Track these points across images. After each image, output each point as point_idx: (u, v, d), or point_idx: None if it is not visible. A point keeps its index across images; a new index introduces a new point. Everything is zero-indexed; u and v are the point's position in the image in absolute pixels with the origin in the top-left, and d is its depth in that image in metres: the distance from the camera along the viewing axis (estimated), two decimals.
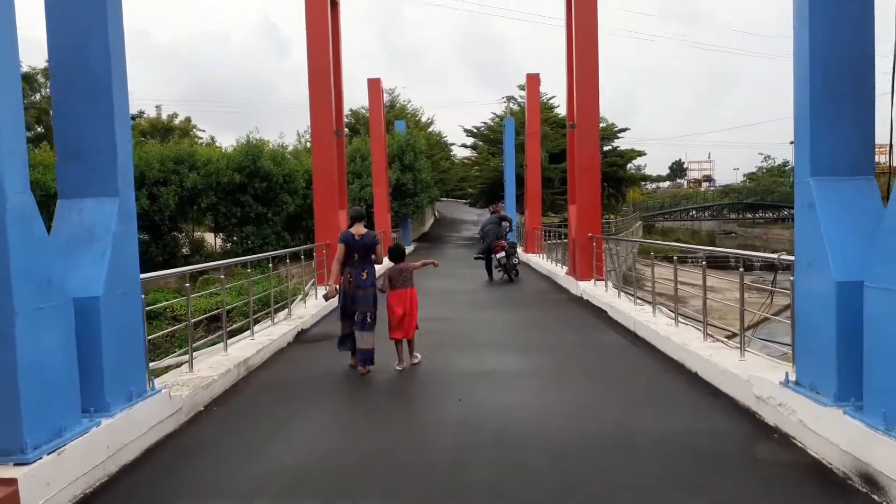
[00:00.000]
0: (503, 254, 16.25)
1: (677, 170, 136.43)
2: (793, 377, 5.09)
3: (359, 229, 7.41)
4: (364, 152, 30.03)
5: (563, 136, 41.08)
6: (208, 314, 12.34)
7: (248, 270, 9.04)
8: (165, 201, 25.64)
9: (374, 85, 25.02)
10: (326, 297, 7.92)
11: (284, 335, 9.14)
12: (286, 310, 10.61)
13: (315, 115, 13.94)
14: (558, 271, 16.90)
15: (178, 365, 7.01)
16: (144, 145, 28.86)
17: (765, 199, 78.55)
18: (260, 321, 9.83)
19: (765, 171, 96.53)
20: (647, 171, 68.46)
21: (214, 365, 7.02)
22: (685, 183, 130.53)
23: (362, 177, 29.38)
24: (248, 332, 8.69)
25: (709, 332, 7.48)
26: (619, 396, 6.15)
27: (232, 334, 8.59)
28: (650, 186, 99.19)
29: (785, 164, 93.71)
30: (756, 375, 5.52)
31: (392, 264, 7.58)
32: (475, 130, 46.75)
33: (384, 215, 24.76)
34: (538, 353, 8.19)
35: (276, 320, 9.93)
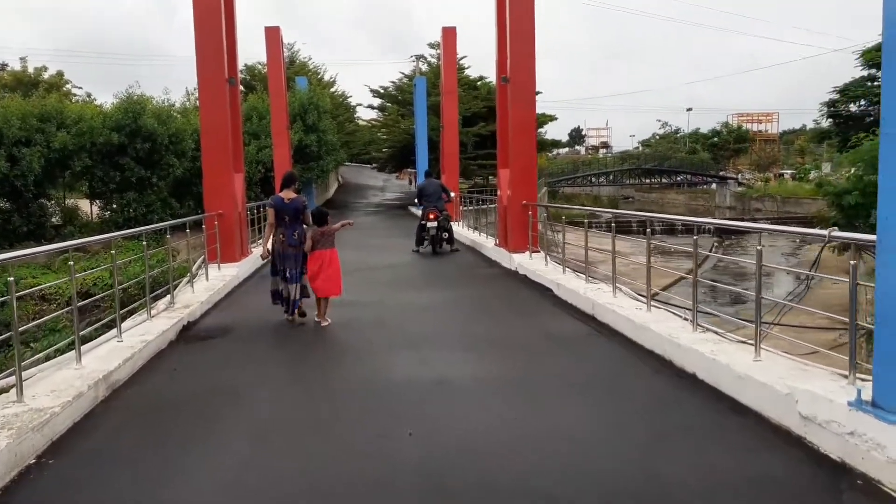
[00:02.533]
0: (435, 224, 14.65)
1: (576, 136, 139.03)
2: (867, 396, 3.79)
3: (288, 193, 8.05)
4: (261, 110, 27.26)
5: (475, 97, 39.86)
6: (55, 311, 9.96)
7: (112, 252, 6.89)
8: (29, 164, 22.08)
9: (273, 34, 22.40)
10: (263, 258, 8.51)
11: (165, 332, 7.11)
12: (168, 297, 8.52)
13: (203, 60, 11.60)
14: (484, 242, 15.47)
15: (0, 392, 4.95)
16: (2, 100, 24.87)
17: (661, 164, 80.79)
18: (133, 313, 7.76)
19: (659, 137, 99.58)
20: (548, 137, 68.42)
21: (59, 386, 5.02)
22: (583, 149, 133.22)
23: (260, 137, 26.67)
24: (113, 332, 6.63)
25: (700, 322, 6.18)
26: (617, 418, 4.70)
27: (87, 338, 6.54)
28: (551, 153, 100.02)
29: (677, 130, 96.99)
30: (803, 389, 4.20)
31: (315, 227, 8.07)
32: (382, 91, 44.39)
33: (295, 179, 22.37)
34: (490, 349, 6.66)
35: (154, 312, 7.86)
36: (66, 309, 11.47)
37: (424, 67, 41.24)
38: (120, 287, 9.98)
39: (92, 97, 43.29)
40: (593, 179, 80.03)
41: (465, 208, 20.95)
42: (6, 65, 43.82)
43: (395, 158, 44.67)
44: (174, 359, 6.59)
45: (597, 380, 5.61)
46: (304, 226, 7.99)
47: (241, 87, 38.28)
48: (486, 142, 38.88)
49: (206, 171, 12.03)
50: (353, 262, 12.71)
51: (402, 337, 7.24)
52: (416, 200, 16.54)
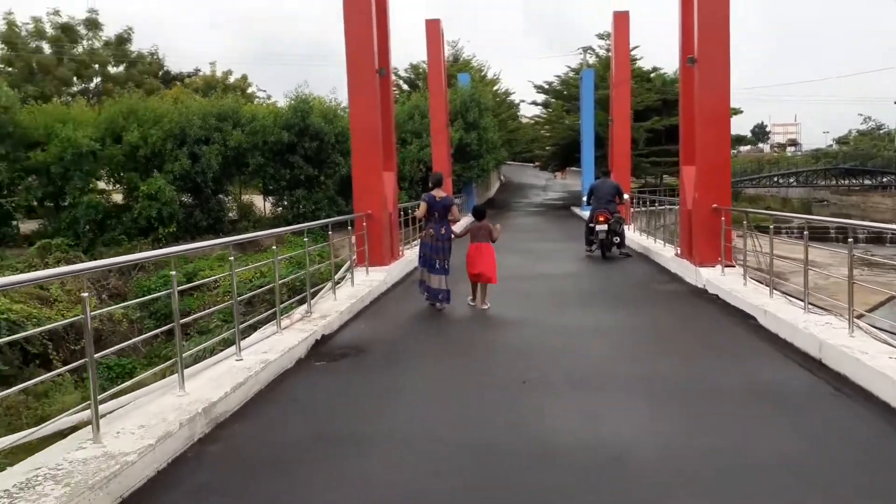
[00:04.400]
0: (605, 227, 13.09)
1: (760, 133, 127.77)
2: None
3: (438, 192, 8.84)
4: (423, 109, 26.84)
5: (648, 90, 36.95)
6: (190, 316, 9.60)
7: (230, 257, 6.09)
8: (208, 161, 23.33)
9: (433, 27, 21.69)
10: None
11: (292, 349, 6.24)
12: (304, 306, 7.73)
13: (352, 49, 10.85)
14: (660, 250, 13.51)
15: (74, 428, 4.19)
16: (186, 101, 26.58)
17: (864, 164, 71.28)
18: (263, 324, 7.03)
19: (859, 133, 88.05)
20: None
21: (150, 420, 4.20)
22: (767, 147, 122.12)
23: (422, 136, 26.30)
24: (232, 349, 5.84)
25: None
26: None
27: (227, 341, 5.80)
28: (731, 151, 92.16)
29: (880, 126, 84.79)
30: None
31: (473, 220, 8.87)
32: (546, 86, 42.73)
33: (445, 179, 21.54)
34: (680, 403, 5.02)
35: (286, 323, 7.07)
36: (208, 310, 11.29)
37: (592, 60, 39.08)
38: (260, 289, 9.45)
39: (272, 99, 45.96)
40: (780, 180, 72.60)
41: (637, 210, 18.89)
42: (199, 70, 47.61)
43: (558, 156, 42.84)
44: (297, 384, 5.65)
45: (850, 474, 3.81)
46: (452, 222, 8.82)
47: (405, 86, 38.85)
48: (659, 138, 35.96)
49: (354, 169, 11.32)
50: (508, 269, 11.42)
51: (561, 374, 5.79)
52: (585, 200, 15.14)
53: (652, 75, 38.40)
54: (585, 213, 24.92)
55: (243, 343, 6.09)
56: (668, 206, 15.98)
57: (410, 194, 24.67)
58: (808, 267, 7.21)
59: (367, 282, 9.85)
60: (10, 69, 33.38)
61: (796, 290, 8.36)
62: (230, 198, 26.46)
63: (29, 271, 16.31)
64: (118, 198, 24.09)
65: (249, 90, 46.66)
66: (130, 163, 23.08)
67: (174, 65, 46.34)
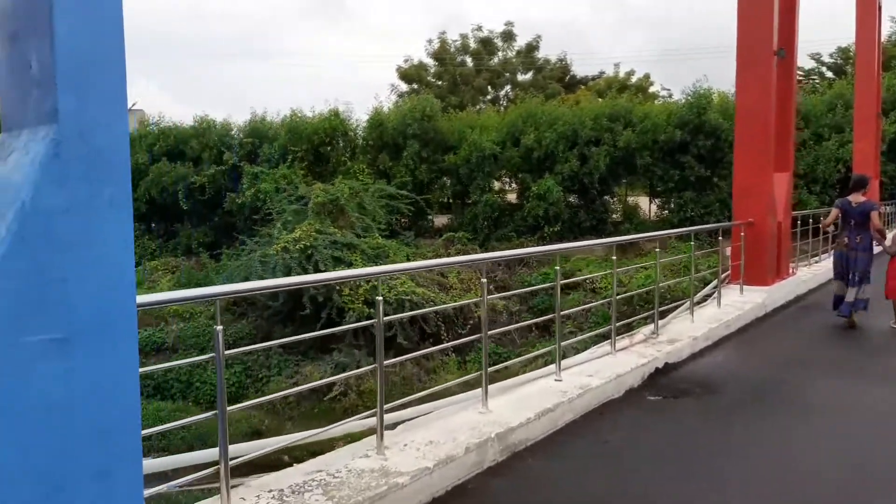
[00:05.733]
0: None
1: None
2: None
3: (857, 197, 7.95)
4: (848, 99, 22.54)
5: None
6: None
7: (613, 257, 5.56)
8: (596, 162, 23.48)
9: None
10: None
11: (621, 377, 5.50)
12: (650, 324, 6.86)
13: (744, 24, 9.32)
14: None
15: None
16: (578, 103, 27.21)
17: None
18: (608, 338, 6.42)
19: None
20: None
21: (440, 437, 4.00)
22: None
23: (844, 131, 22.12)
24: (577, 357, 5.36)
25: None
26: None
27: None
28: None
29: None
30: None
31: None
32: None
33: (871, 181, 17.56)
34: None
35: (624, 344, 6.34)
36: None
37: None
38: (619, 297, 8.90)
39: (674, 97, 44.41)
40: None
41: None
42: (603, 72, 48.57)
43: None
44: (618, 420, 4.91)
45: None
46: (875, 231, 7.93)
47: (829, 73, 33.34)
48: None
49: (736, 168, 9.78)
50: None
51: None
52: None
53: None
54: None
55: (569, 361, 5.60)
56: None
57: (823, 199, 21.08)
58: None
59: (738, 303, 8.43)
60: (439, 82, 38.85)
61: None
62: (615, 199, 26.26)
63: (434, 258, 18.69)
64: (512, 197, 25.92)
65: (651, 89, 45.91)
66: (525, 164, 24.55)
67: (580, 69, 48.27)
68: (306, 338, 4.48)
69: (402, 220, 23.25)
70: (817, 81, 33.88)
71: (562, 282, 5.43)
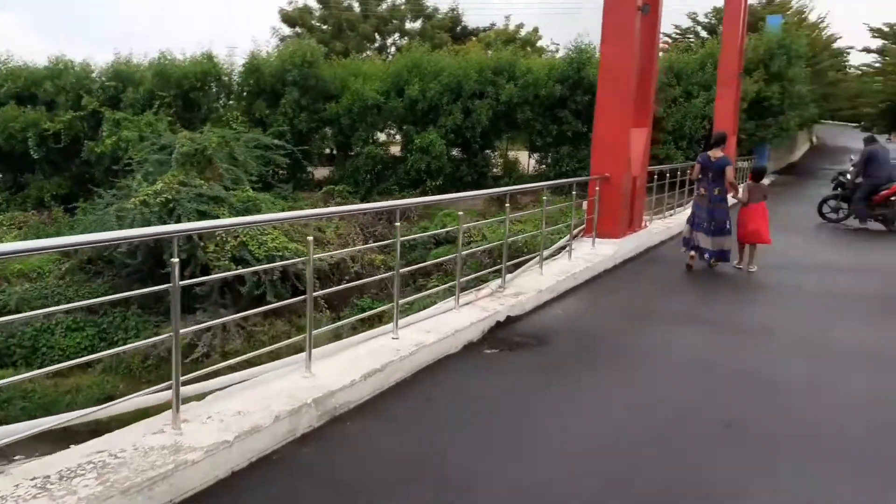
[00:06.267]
0: None
1: None
2: None
3: (716, 153, 8.66)
4: (718, 57, 23.62)
5: None
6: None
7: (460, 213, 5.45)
8: (478, 116, 23.45)
9: None
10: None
11: (459, 332, 5.46)
12: (499, 280, 6.88)
13: None
14: None
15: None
16: (463, 54, 26.98)
17: None
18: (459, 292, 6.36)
19: None
20: None
21: (251, 405, 3.78)
22: None
23: (711, 89, 23.22)
24: (415, 317, 5.23)
25: None
26: None
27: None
28: None
29: None
30: None
31: (752, 182, 8.97)
32: (887, 29, 35.07)
33: (728, 137, 18.49)
34: None
35: (469, 299, 6.33)
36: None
37: None
38: (469, 251, 8.82)
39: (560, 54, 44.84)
40: None
41: None
42: (494, 24, 48.31)
43: (888, 115, 35.23)
44: (447, 378, 4.88)
45: None
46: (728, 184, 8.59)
47: (704, 33, 34.80)
48: None
49: (596, 123, 9.96)
50: (780, 255, 9.35)
51: (788, 424, 4.15)
52: (859, 169, 13.07)
53: None
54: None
55: (411, 318, 5.51)
56: None
57: (688, 154, 22.14)
58: None
59: (589, 256, 8.65)
60: (324, 27, 37.28)
61: None
62: (497, 153, 26.45)
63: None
64: (396, 150, 25.55)
65: (540, 44, 46.25)
66: (409, 116, 24.14)
67: (474, 20, 47.73)
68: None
69: (280, 172, 22.39)
70: (692, 40, 35.28)
71: (402, 238, 5.27)
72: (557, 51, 45.15)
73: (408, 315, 5.87)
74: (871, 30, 36.00)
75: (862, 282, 8.47)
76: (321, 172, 25.07)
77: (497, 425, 4.05)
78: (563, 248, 8.81)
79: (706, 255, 8.72)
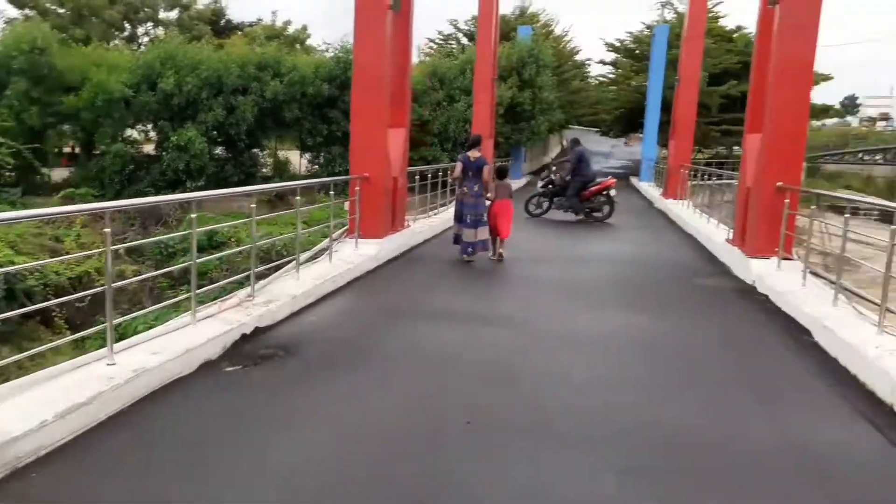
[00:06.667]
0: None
1: (850, 106, 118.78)
2: None
3: (474, 153, 9.45)
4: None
5: (729, 51, 33.76)
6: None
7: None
8: (243, 113, 22.26)
9: None
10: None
11: (191, 351, 4.89)
12: (247, 288, 6.38)
13: None
14: (712, 232, 11.59)
15: None
16: (229, 48, 25.53)
17: None
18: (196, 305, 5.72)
19: None
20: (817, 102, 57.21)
21: None
22: (855, 121, 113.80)
23: (471, 93, 24.47)
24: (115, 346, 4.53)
25: None
26: None
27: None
28: (816, 123, 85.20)
29: None
30: None
31: (497, 181, 9.72)
32: (618, 44, 39.80)
33: (486, 140, 19.58)
34: (695, 487, 3.47)
35: (211, 311, 5.76)
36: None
37: (671, 16, 35.99)
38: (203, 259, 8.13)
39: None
40: (866, 157, 66.95)
41: (696, 184, 16.75)
42: (261, 20, 46.50)
43: (622, 121, 40.09)
44: (171, 406, 4.24)
45: None
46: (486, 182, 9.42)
47: (465, 40, 36.69)
48: (735, 104, 32.87)
49: (353, 124, 9.84)
50: (521, 250, 9.94)
51: (525, 413, 4.28)
52: (571, 168, 14.80)
53: (735, 35, 35.09)
54: (644, 185, 22.99)
55: (137, 339, 4.83)
56: (725, 182, 13.93)
57: (452, 156, 23.07)
58: (888, 274, 5.38)
59: (351, 257, 8.47)
60: (60, 10, 32.97)
61: (869, 290, 6.50)
62: (265, 153, 25.43)
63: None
64: (150, 148, 23.40)
65: (309, 42, 45.41)
66: (164, 111, 22.21)
67: (237, 14, 45.48)
68: None
69: (6, 174, 19.30)
70: (454, 46, 37.00)
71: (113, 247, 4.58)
72: (328, 50, 44.88)
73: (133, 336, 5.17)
74: (606, 44, 40.70)
75: (592, 270, 9.30)
76: (60, 174, 22.11)
77: (226, 453, 3.63)
78: (324, 250, 8.51)
79: (469, 249, 9.27)
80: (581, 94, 39.47)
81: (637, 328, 6.33)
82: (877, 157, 65.44)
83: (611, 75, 41.89)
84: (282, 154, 26.27)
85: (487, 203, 9.58)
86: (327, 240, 8.71)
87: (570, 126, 46.11)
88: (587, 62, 43.10)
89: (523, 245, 10.56)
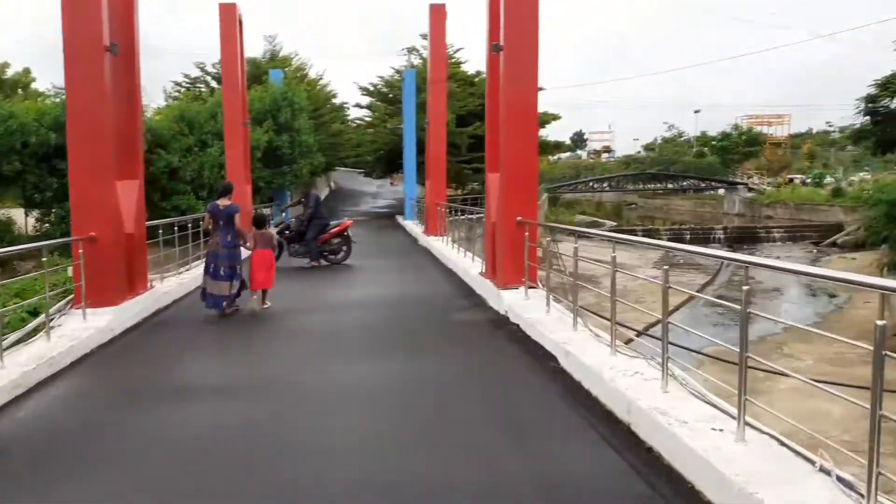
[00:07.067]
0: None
1: (578, 140, 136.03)
2: None
3: (224, 201, 9.07)
4: None
5: (472, 94, 36.37)
6: None
7: None
8: None
9: (228, 13, 18.92)
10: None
11: None
12: None
13: (69, 17, 8.21)
14: (468, 266, 12.10)
15: None
16: None
17: (667, 169, 77.13)
18: None
19: (664, 140, 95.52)
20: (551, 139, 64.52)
21: None
22: (584, 154, 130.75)
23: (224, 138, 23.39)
24: None
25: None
26: None
27: None
28: (552, 158, 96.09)
29: (681, 134, 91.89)
30: None
31: (255, 230, 9.43)
32: (371, 88, 40.98)
33: (242, 185, 18.69)
34: None
35: None
36: None
37: (417, 61, 37.92)
38: None
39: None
40: (595, 185, 76.95)
41: (452, 219, 17.55)
42: None
43: (382, 162, 41.22)
44: None
45: None
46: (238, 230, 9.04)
47: (214, 83, 35.18)
48: (481, 144, 35.47)
49: (71, 177, 8.67)
50: (289, 299, 9.50)
51: (282, 498, 3.86)
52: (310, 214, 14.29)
53: (476, 79, 37.97)
54: (408, 223, 23.39)
55: None
56: (477, 216, 14.75)
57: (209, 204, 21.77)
58: (615, 298, 5.89)
59: (76, 332, 7.30)
60: None
61: (603, 310, 7.11)
62: None
63: None
64: None
65: (34, 86, 40.26)
66: None
67: None
68: None
69: None
70: (203, 89, 35.31)
71: None
72: (56, 95, 40.27)
73: None
74: (360, 88, 41.69)
75: (353, 318, 9.10)
76: None
77: None
78: (39, 328, 7.24)
79: (222, 303, 8.82)
80: (342, 136, 39.90)
81: (395, 376, 6.21)
82: (604, 185, 75.35)
83: (367, 118, 42.93)
84: (2, 213, 22.70)
85: (248, 253, 9.18)
86: (42, 316, 7.43)
87: (336, 168, 46.39)
88: (345, 105, 43.81)
89: (284, 292, 10.07)
